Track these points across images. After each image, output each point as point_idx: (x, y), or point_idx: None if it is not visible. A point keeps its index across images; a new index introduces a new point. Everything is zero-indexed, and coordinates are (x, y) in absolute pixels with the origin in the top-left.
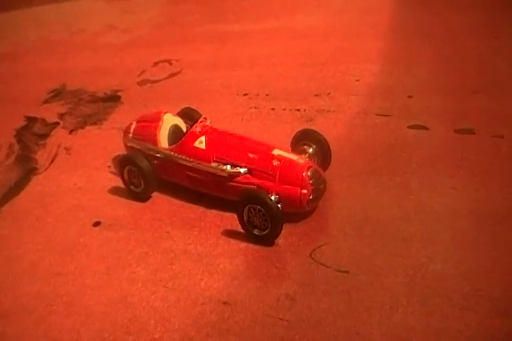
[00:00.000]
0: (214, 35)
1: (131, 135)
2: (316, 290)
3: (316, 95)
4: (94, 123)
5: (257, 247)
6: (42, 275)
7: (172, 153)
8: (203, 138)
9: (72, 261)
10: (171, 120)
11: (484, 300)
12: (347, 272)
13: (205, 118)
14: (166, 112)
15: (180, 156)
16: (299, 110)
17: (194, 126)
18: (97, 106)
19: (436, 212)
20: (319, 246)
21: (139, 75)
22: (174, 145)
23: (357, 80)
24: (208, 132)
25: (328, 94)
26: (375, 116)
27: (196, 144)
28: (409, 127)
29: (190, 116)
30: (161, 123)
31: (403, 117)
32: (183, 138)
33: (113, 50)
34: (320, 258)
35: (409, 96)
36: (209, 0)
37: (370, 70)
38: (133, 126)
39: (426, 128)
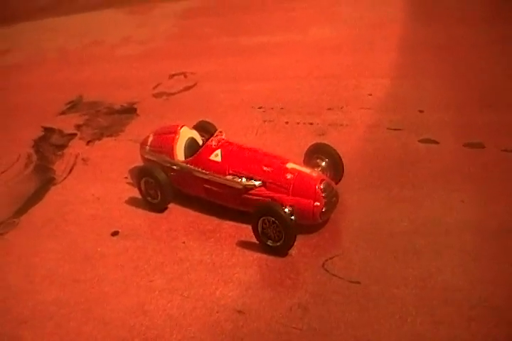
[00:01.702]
0: (229, 48)
1: (148, 147)
2: (328, 300)
3: (329, 109)
4: (111, 135)
5: (270, 258)
6: (60, 282)
7: (188, 166)
8: (218, 152)
9: (91, 269)
10: (187, 133)
11: (491, 310)
12: (358, 283)
13: (221, 131)
14: (182, 126)
15: (196, 169)
16: (312, 124)
17: (210, 140)
18: (113, 118)
19: (445, 225)
20: (331, 258)
21: (154, 87)
22: (190, 157)
23: (369, 94)
24: (224, 145)
25: (341, 108)
26: (386, 130)
27: (212, 157)
28: (420, 141)
29: (205, 129)
30: (177, 136)
31: (414, 131)
32: (199, 151)
33: (129, 62)
34: (332, 269)
35: (421, 111)
36: (224, 14)
37: (382, 84)
38: (150, 139)
39: (436, 142)
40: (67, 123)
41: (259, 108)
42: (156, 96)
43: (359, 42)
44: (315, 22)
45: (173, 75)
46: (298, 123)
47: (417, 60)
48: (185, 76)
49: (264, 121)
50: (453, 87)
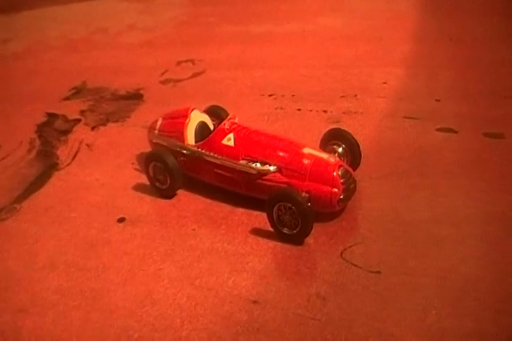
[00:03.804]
0: (236, 36)
1: (156, 131)
2: (348, 290)
3: (342, 97)
4: (117, 121)
5: (286, 246)
6: (63, 270)
7: (200, 150)
8: (231, 136)
9: (96, 257)
10: (198, 117)
11: None
12: (378, 273)
13: (234, 115)
14: (193, 109)
15: (208, 153)
16: (325, 111)
17: (222, 123)
18: (118, 103)
19: (466, 214)
20: (350, 246)
21: (161, 74)
22: (201, 142)
23: (384, 83)
24: (237, 129)
25: (355, 96)
26: (402, 118)
27: (224, 141)
28: (438, 130)
29: (216, 114)
30: (188, 120)
31: (431, 120)
32: (211, 135)
33: (134, 49)
34: (351, 259)
35: (437, 100)
36: (232, 1)
37: (396, 73)
38: (159, 123)
39: (454, 132)
40: (71, 109)
41: (270, 95)
42: (163, 82)
43: (371, 32)
44: (325, 12)
45: (181, 62)
46: (310, 111)
47: (431, 50)
48: (193, 63)
49: (276, 108)
50: (469, 77)
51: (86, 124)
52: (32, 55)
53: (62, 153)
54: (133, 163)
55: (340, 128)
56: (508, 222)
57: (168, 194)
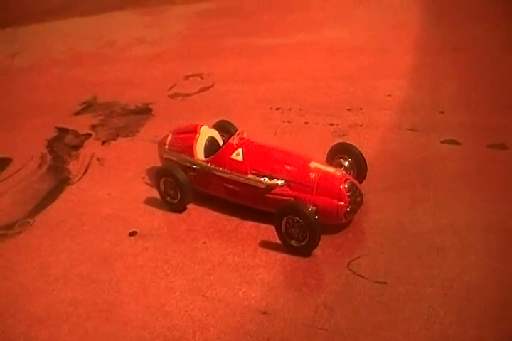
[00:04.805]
0: (244, 49)
1: (167, 146)
2: (354, 300)
3: (348, 110)
4: (127, 135)
5: (294, 258)
6: (76, 283)
7: (209, 165)
8: (240, 151)
9: (108, 269)
10: (207, 132)
11: None
12: (384, 283)
13: (243, 130)
14: (202, 125)
15: (217, 168)
16: (331, 125)
17: (231, 139)
18: (128, 118)
19: (470, 224)
20: (356, 258)
21: (170, 88)
22: (211, 157)
23: (388, 95)
24: (245, 144)
25: (361, 109)
26: (407, 131)
27: (233, 156)
28: (442, 142)
29: (225, 129)
30: (197, 135)
31: (435, 132)
32: (220, 150)
33: (143, 63)
34: (357, 270)
35: (441, 112)
36: (238, 14)
37: (400, 85)
38: (169, 138)
39: (458, 143)
40: (82, 124)
41: (277, 109)
42: (171, 96)
43: (375, 44)
44: (330, 24)
45: (189, 76)
46: (317, 124)
47: (435, 61)
48: (201, 77)
49: (283, 122)
50: (472, 88)
51: (96, 139)
52: (40, 69)
53: (74, 167)
54: (143, 177)
55: (346, 143)
56: (510, 231)
57: (178, 208)
